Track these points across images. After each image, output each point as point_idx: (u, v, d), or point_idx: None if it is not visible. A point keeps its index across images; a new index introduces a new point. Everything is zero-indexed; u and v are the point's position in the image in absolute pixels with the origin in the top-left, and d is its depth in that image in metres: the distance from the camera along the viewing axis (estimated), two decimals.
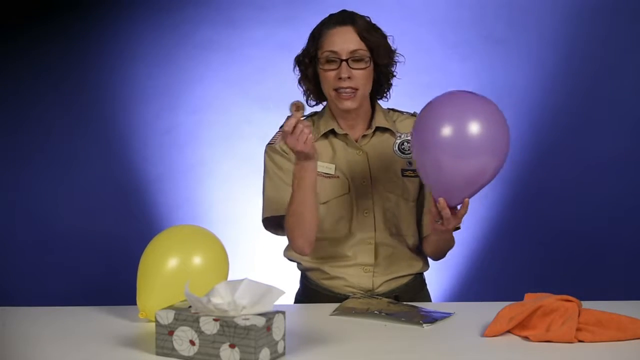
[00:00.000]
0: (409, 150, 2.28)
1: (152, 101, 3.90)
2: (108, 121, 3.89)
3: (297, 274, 2.42)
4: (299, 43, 2.31)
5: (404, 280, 2.32)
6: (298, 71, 2.29)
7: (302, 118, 2.02)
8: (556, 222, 3.91)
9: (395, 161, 2.27)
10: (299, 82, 2.30)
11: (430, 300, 2.41)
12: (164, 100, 3.91)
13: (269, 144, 2.31)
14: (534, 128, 3.89)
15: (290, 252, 2.36)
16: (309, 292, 2.35)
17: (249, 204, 3.83)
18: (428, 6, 3.86)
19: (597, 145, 3.88)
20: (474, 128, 1.96)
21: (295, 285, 2.41)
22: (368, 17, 2.24)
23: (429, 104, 2.07)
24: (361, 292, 2.27)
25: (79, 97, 3.88)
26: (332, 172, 2.26)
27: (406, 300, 2.21)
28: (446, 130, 1.96)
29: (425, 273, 2.40)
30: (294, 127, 2.00)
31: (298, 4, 3.87)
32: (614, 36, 3.86)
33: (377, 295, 2.26)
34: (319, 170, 2.24)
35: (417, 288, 2.36)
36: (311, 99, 2.32)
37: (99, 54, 3.88)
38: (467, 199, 2.03)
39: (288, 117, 2.03)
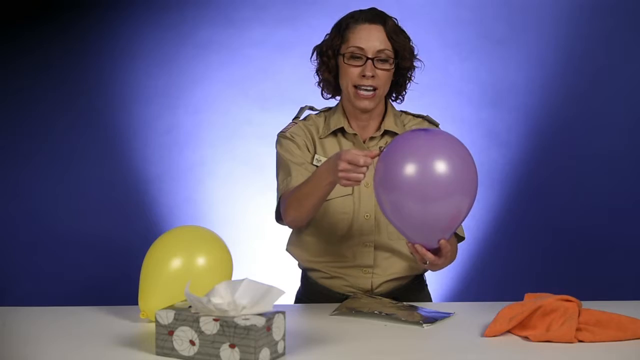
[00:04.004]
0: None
1: (152, 101, 3.90)
2: (108, 121, 3.89)
3: (298, 274, 2.42)
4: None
5: (404, 281, 2.31)
6: (316, 60, 2.27)
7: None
8: (556, 222, 3.91)
9: None
10: (317, 72, 2.28)
11: (431, 301, 2.41)
12: (164, 101, 3.91)
13: (280, 132, 2.31)
14: (534, 128, 3.89)
15: (291, 248, 2.36)
16: (309, 291, 2.35)
17: (250, 204, 3.85)
18: (428, 6, 3.87)
19: (597, 144, 3.88)
20: (441, 168, 1.80)
21: (296, 285, 2.42)
22: (396, 19, 2.23)
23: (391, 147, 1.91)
24: (360, 292, 2.27)
25: (79, 97, 3.88)
26: None
27: (406, 300, 2.21)
28: (410, 175, 1.80)
29: (425, 274, 2.40)
30: (362, 166, 1.90)
31: (298, 4, 3.87)
32: (613, 36, 3.86)
33: (377, 295, 2.26)
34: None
35: (417, 289, 2.35)
36: (325, 91, 2.31)
37: (99, 54, 3.88)
38: (443, 241, 1.91)
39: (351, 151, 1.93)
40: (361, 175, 1.92)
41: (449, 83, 3.87)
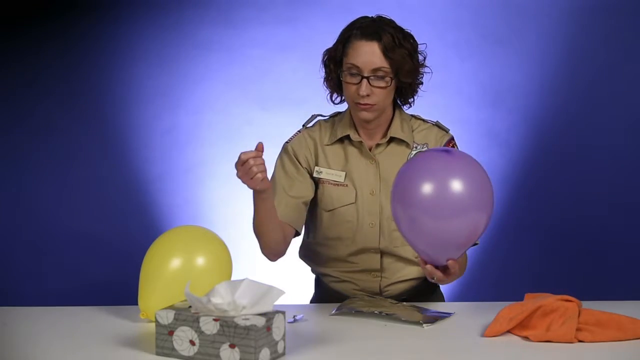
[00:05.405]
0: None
1: (152, 101, 3.90)
2: (108, 121, 3.89)
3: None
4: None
5: (414, 283, 2.31)
6: (323, 68, 2.25)
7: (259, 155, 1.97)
8: (556, 222, 3.91)
9: None
10: (324, 81, 2.26)
11: (443, 302, 2.41)
12: (164, 101, 3.91)
13: (285, 142, 2.31)
14: (534, 128, 3.88)
15: (303, 258, 2.40)
16: (322, 294, 2.37)
17: (250, 204, 3.84)
18: (427, 6, 3.86)
19: (597, 144, 3.88)
20: (456, 187, 1.86)
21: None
22: (398, 29, 2.16)
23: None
24: (370, 294, 2.28)
25: (79, 98, 3.88)
26: (341, 180, 2.25)
27: (417, 302, 2.20)
28: (424, 191, 1.85)
29: None
30: (245, 162, 1.97)
31: (298, 4, 3.86)
32: (614, 36, 3.86)
33: (387, 297, 2.26)
34: (327, 177, 2.24)
35: (427, 291, 2.36)
36: (335, 97, 2.29)
37: (99, 54, 3.88)
38: (451, 261, 1.93)
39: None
40: (254, 169, 1.96)
41: (449, 83, 3.86)
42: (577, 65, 3.86)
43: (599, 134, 3.88)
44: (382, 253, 2.26)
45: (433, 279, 1.98)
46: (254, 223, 2.18)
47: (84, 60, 3.87)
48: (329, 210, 2.26)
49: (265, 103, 3.86)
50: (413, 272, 2.29)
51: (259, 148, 1.97)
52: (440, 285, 2.42)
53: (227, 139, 3.89)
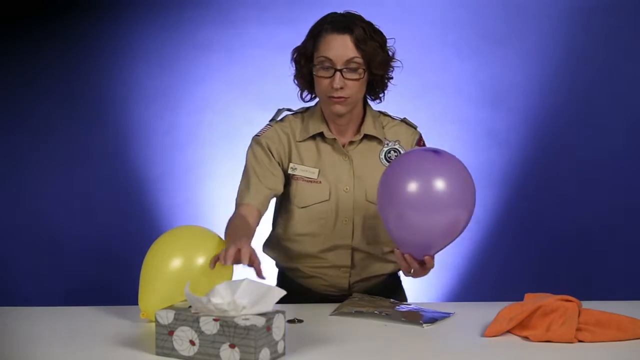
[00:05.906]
0: (395, 158, 2.25)
1: (152, 101, 3.90)
2: (108, 121, 3.89)
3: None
4: (299, 43, 2.29)
5: (380, 279, 2.34)
6: (294, 65, 2.26)
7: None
8: (556, 222, 3.91)
9: (380, 170, 2.19)
10: (294, 78, 2.27)
11: (405, 298, 2.43)
12: (165, 101, 3.91)
13: (255, 135, 2.31)
14: (533, 128, 3.89)
15: (268, 251, 2.38)
16: (286, 290, 2.35)
17: None
18: (427, 6, 3.86)
19: (597, 145, 3.88)
20: (440, 184, 1.94)
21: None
22: (368, 23, 2.18)
23: (396, 161, 2.08)
24: (338, 290, 2.30)
25: (79, 98, 3.88)
26: (314, 176, 2.25)
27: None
28: (412, 187, 1.95)
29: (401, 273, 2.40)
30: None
31: (298, 4, 3.86)
32: (614, 36, 3.86)
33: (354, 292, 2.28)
34: (301, 174, 2.25)
35: (392, 286, 2.39)
36: (306, 94, 2.29)
37: (99, 54, 3.88)
38: (427, 257, 2.00)
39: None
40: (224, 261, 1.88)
41: (449, 83, 3.87)
42: (577, 65, 3.86)
43: (598, 133, 3.88)
44: (354, 250, 2.27)
45: (410, 271, 2.04)
46: (226, 231, 2.11)
47: (84, 60, 3.87)
48: (302, 207, 2.25)
49: (265, 103, 3.85)
50: (381, 268, 2.32)
51: (256, 266, 1.88)
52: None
53: (227, 139, 3.90)
